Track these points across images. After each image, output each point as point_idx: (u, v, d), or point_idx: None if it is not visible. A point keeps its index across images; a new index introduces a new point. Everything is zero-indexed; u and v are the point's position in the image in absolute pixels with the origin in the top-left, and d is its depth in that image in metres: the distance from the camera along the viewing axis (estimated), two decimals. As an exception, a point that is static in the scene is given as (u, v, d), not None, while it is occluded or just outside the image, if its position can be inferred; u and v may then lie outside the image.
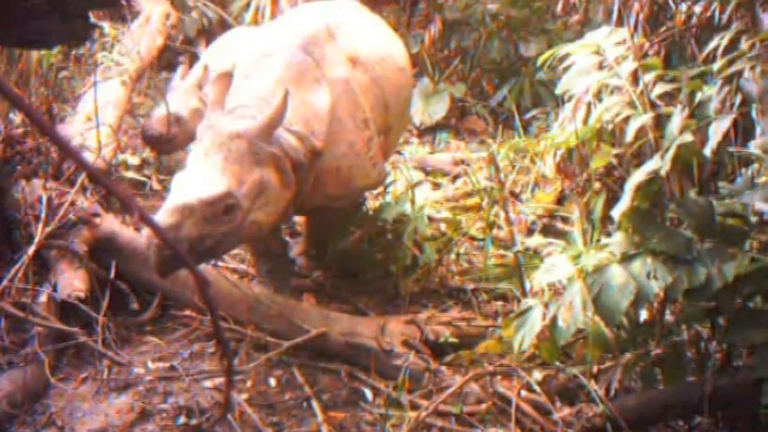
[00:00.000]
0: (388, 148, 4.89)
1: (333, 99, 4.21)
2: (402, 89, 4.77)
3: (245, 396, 3.90)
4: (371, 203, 5.35)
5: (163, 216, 3.62)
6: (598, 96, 4.73)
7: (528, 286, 4.44)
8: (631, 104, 4.29)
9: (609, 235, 4.38)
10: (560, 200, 5.84)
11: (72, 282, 4.25)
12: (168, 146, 5.80)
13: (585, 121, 4.82)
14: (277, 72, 4.14)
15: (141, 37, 7.04)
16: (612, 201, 4.40)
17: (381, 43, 4.72)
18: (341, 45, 4.40)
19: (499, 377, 3.95)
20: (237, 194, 3.71)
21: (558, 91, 5.03)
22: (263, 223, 3.92)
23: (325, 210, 4.54)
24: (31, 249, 4.32)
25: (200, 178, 3.72)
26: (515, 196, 6.00)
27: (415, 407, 3.77)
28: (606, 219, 4.70)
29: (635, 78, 4.36)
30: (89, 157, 4.97)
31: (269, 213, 3.90)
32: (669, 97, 4.46)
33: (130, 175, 5.86)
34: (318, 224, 4.87)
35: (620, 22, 5.17)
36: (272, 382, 4.07)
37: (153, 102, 7.44)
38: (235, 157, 3.76)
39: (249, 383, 4.00)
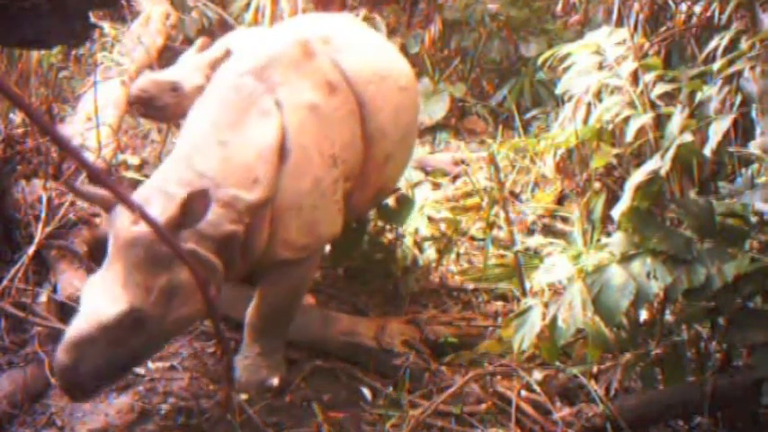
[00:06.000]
0: (388, 180, 4.36)
1: (295, 125, 3.70)
2: (403, 112, 4.22)
3: (245, 396, 3.89)
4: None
5: (60, 355, 3.22)
6: (598, 96, 4.74)
7: (528, 286, 4.45)
8: (631, 104, 4.30)
9: (609, 235, 4.39)
10: (560, 200, 5.85)
11: (72, 282, 4.25)
12: (155, 112, 5.06)
13: (585, 121, 4.82)
14: (212, 113, 3.68)
15: (141, 37, 7.05)
16: (612, 201, 4.41)
17: (379, 61, 4.23)
18: (320, 65, 3.90)
19: (499, 377, 3.95)
20: (144, 306, 3.26)
21: (558, 91, 5.05)
22: (190, 316, 3.47)
23: (282, 271, 3.87)
24: (31, 249, 4.32)
25: (101, 294, 3.28)
26: (515, 196, 6.01)
27: (415, 407, 3.77)
28: (606, 219, 4.72)
29: (635, 78, 4.37)
30: (89, 157, 4.96)
31: (194, 304, 3.39)
32: (669, 97, 4.47)
33: (130, 175, 5.85)
34: (269, 293, 3.98)
35: (620, 22, 5.19)
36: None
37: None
38: (135, 265, 3.29)
39: (249, 383, 4.00)
